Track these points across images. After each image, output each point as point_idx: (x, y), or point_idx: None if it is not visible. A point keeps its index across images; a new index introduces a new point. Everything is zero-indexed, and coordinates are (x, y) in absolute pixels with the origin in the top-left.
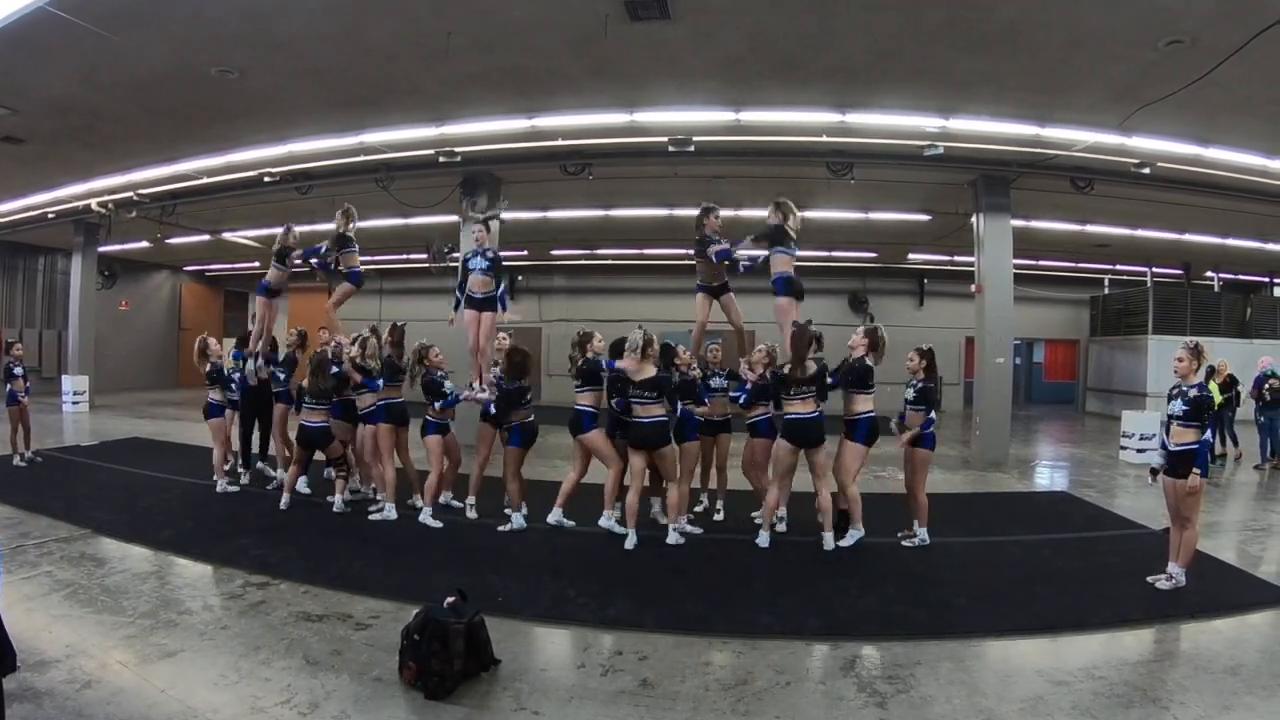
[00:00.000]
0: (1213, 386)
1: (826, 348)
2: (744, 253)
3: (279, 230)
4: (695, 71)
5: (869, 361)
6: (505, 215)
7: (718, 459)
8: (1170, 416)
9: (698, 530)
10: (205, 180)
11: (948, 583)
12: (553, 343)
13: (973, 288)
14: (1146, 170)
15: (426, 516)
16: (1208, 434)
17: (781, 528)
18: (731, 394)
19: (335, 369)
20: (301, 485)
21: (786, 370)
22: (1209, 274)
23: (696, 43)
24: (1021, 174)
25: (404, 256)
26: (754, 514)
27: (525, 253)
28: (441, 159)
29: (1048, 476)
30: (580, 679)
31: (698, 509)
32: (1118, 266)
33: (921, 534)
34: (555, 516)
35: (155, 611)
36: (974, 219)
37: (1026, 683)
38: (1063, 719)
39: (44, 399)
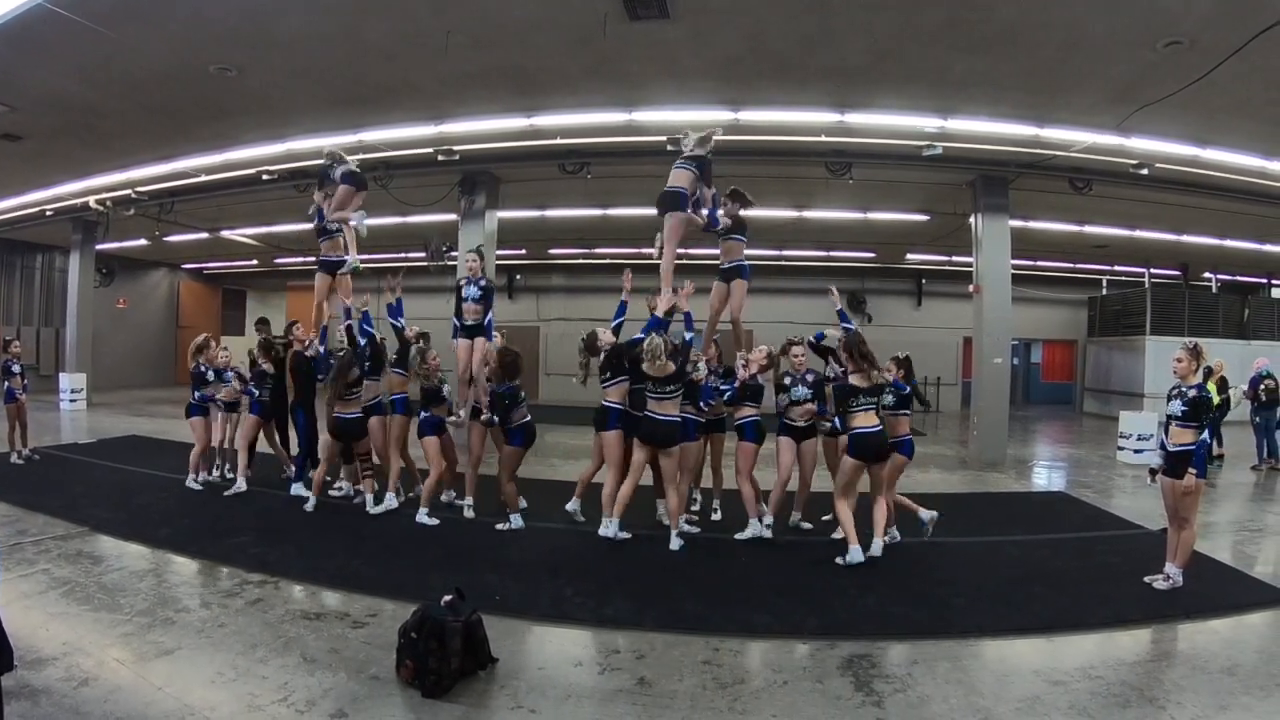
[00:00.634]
0: (1211, 387)
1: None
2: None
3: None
4: (694, 71)
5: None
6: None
7: (712, 458)
8: (1169, 417)
9: (695, 530)
10: (203, 178)
11: (945, 582)
12: (550, 341)
13: (971, 288)
14: (1145, 171)
15: (423, 516)
16: (1206, 434)
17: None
18: (720, 388)
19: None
20: (299, 489)
21: (854, 380)
22: (1207, 275)
23: (695, 42)
24: (1020, 174)
25: (402, 255)
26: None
27: (523, 251)
28: (440, 157)
29: (1045, 477)
30: (578, 677)
31: (694, 508)
32: (1116, 267)
33: (893, 531)
34: (573, 505)
35: (152, 609)
36: (972, 219)
37: (1024, 682)
38: (1060, 719)
39: (41, 397)
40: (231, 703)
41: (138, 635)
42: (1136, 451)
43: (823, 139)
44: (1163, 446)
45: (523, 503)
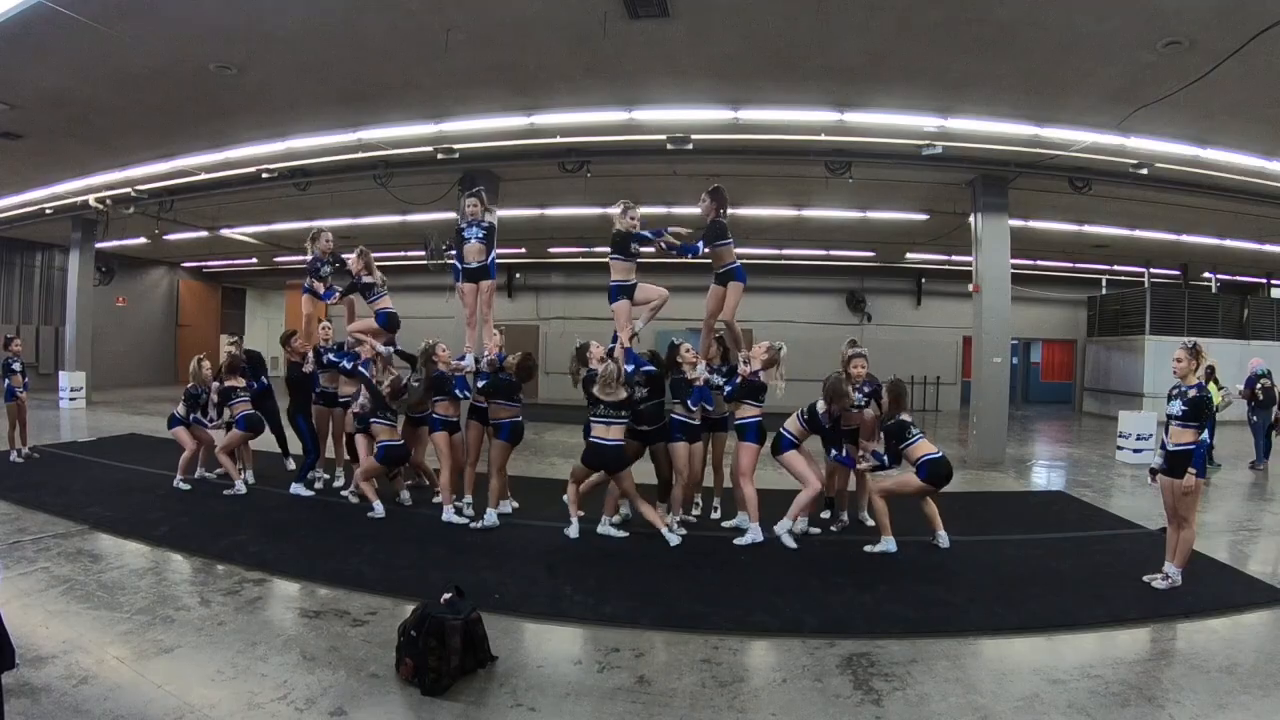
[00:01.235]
0: (1211, 387)
1: (823, 351)
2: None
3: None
4: (694, 69)
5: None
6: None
7: (713, 457)
8: (1169, 417)
9: (682, 532)
10: (203, 176)
11: (944, 581)
12: (550, 340)
13: (970, 287)
14: (1144, 171)
15: (450, 515)
16: (1205, 434)
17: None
18: (723, 386)
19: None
20: (300, 489)
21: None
22: (1206, 275)
23: (695, 41)
24: (1020, 174)
25: (402, 253)
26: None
27: (523, 250)
28: (440, 156)
29: (1044, 476)
30: (577, 676)
31: (697, 511)
32: (1115, 267)
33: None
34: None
35: (152, 607)
36: (972, 219)
37: (1022, 681)
38: (1058, 718)
39: (41, 395)
40: (231, 700)
41: (137, 633)
42: (1136, 451)
43: (822, 138)
44: (1163, 446)
45: (513, 504)
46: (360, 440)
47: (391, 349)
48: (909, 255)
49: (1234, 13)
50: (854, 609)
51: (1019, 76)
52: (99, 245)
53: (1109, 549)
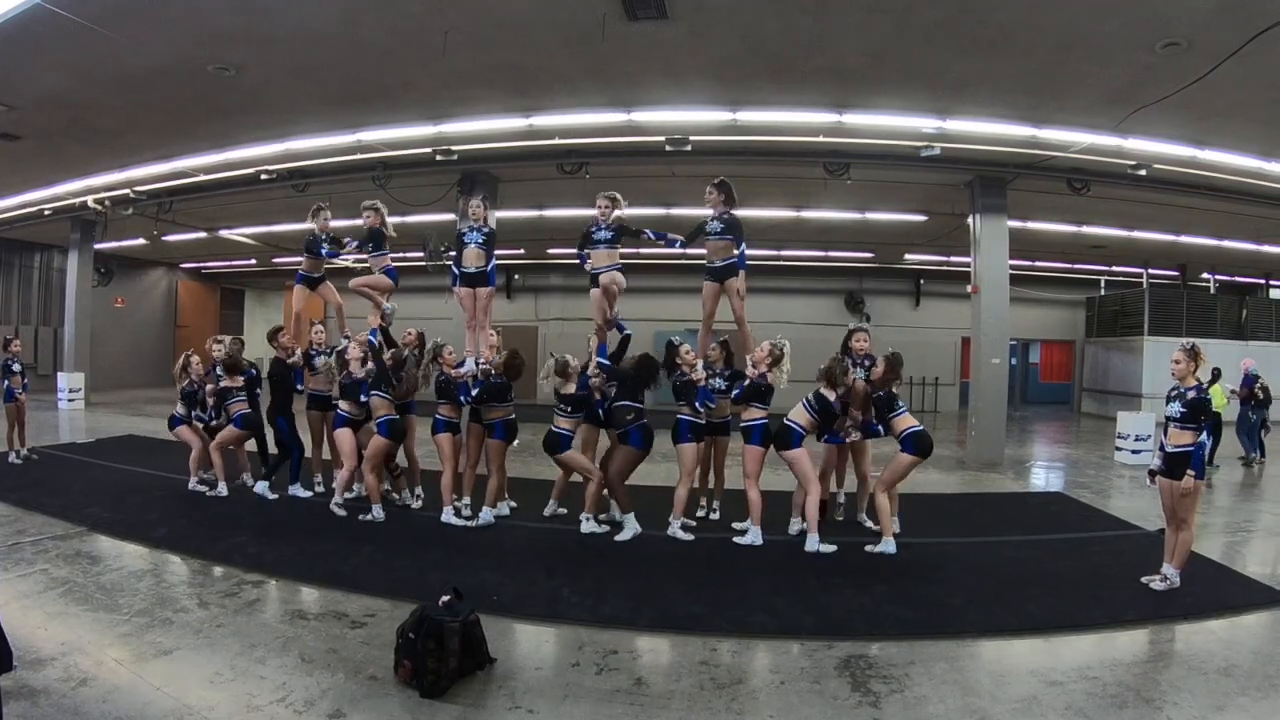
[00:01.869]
0: (1216, 390)
1: (822, 352)
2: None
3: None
4: (692, 71)
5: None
6: (499, 214)
7: (715, 460)
8: (1168, 419)
9: (689, 537)
10: (202, 178)
11: (942, 583)
12: (548, 341)
13: (969, 288)
14: (1143, 172)
15: (449, 516)
16: (1204, 436)
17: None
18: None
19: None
20: (299, 490)
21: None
22: (1205, 275)
23: (694, 42)
24: (1018, 175)
25: (400, 254)
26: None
27: (521, 251)
28: (439, 157)
29: (1043, 477)
30: (575, 678)
31: (700, 514)
32: (1113, 268)
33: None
34: (588, 526)
35: (151, 609)
36: (970, 220)
37: (1020, 683)
38: (1056, 719)
39: (39, 396)
40: (230, 703)
41: (136, 635)
42: (1134, 452)
43: (821, 139)
44: (1161, 448)
45: (511, 504)
46: (343, 436)
47: (391, 308)
48: (907, 256)
49: (1232, 14)
50: (852, 610)
51: (1017, 78)
52: (98, 246)
53: (1107, 550)
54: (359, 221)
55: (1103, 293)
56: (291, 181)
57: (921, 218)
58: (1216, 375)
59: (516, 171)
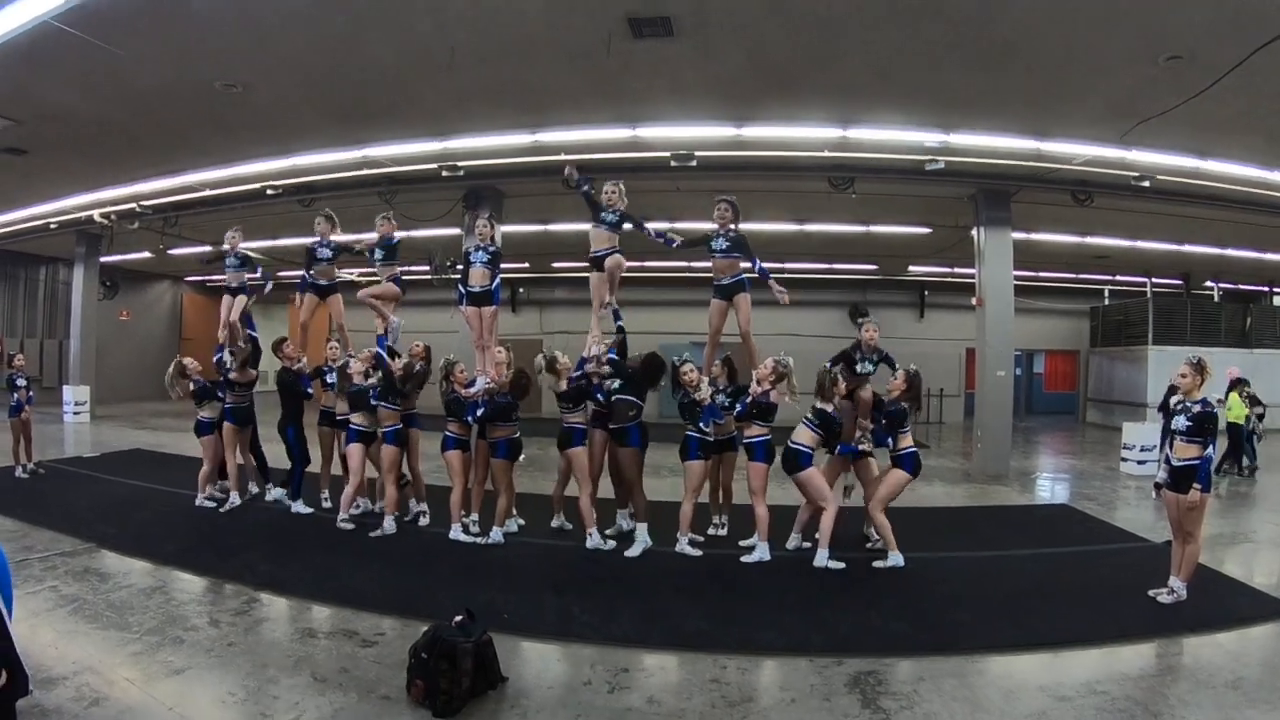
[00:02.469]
0: (1234, 399)
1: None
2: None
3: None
4: (697, 87)
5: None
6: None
7: (723, 477)
8: (1174, 432)
9: (697, 553)
10: (208, 192)
11: (950, 598)
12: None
13: (973, 301)
14: (1146, 183)
15: (457, 533)
16: (1210, 449)
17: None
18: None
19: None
20: (300, 506)
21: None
22: (1209, 284)
23: (699, 59)
24: (1022, 187)
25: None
26: None
27: (526, 265)
28: (444, 173)
29: (1049, 489)
30: (587, 696)
31: (711, 531)
32: (1117, 277)
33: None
34: (594, 542)
35: (161, 628)
36: (975, 232)
37: (1029, 698)
38: None
39: (45, 408)
40: None
41: (147, 654)
42: (1140, 463)
43: (825, 154)
44: (1167, 461)
45: (519, 521)
46: (355, 451)
47: (398, 323)
48: (911, 268)
49: (1234, 27)
50: (861, 627)
51: (1021, 92)
52: (103, 259)
53: (1114, 563)
54: (368, 236)
55: (1107, 302)
56: (297, 196)
57: (926, 230)
58: (1235, 385)
59: (522, 186)
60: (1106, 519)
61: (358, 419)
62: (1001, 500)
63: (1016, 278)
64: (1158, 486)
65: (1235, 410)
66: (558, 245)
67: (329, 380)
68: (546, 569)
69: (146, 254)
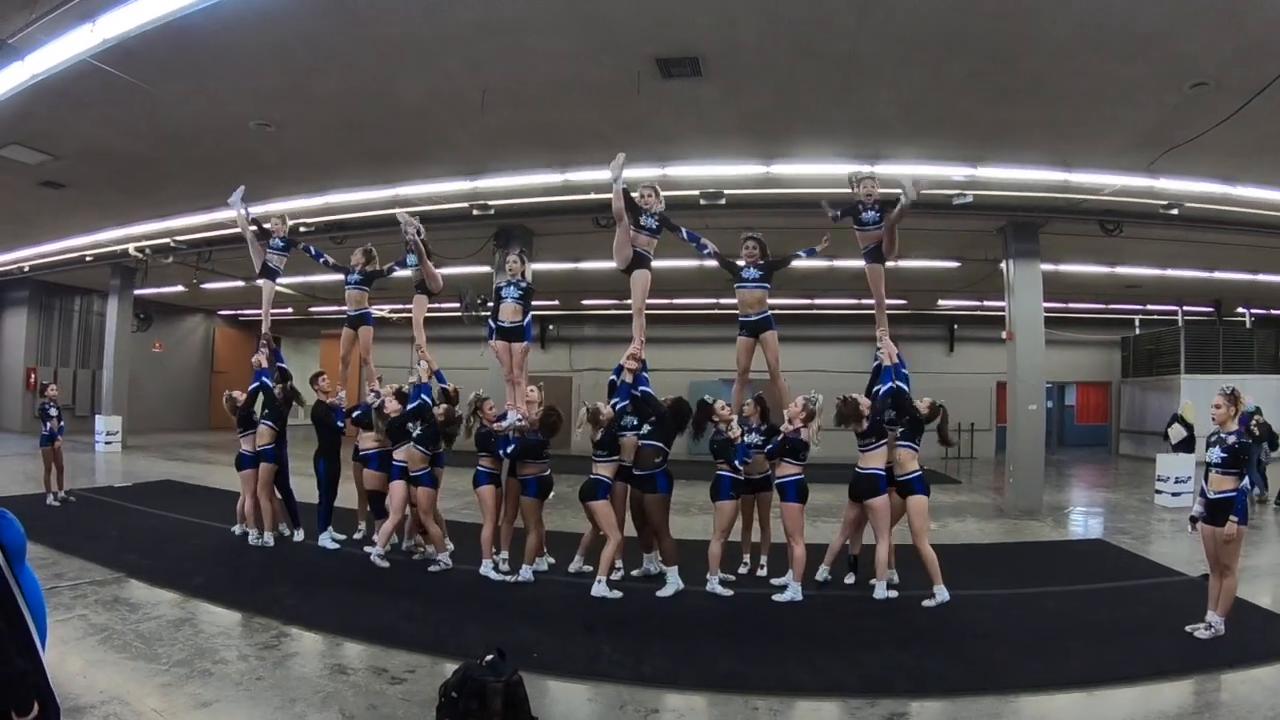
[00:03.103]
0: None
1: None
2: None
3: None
4: (726, 126)
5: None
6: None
7: (759, 516)
8: (1209, 464)
9: (728, 593)
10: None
11: (984, 637)
12: (583, 392)
13: (1004, 334)
14: (1175, 211)
15: (487, 569)
16: (1246, 481)
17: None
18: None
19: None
20: (327, 540)
21: None
22: (1240, 310)
23: (727, 99)
24: (1050, 219)
25: (436, 306)
26: None
27: (556, 302)
28: (475, 211)
29: (1082, 524)
30: None
31: (741, 570)
32: (1147, 306)
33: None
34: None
35: (190, 660)
36: (1004, 265)
37: None
38: None
39: (77, 437)
40: None
41: (176, 686)
42: (1174, 495)
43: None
44: (1203, 494)
45: (549, 560)
46: (397, 488)
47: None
48: (941, 302)
49: (1258, 52)
50: (894, 667)
51: (1047, 124)
52: (137, 292)
53: (1150, 599)
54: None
55: (1137, 332)
56: (330, 234)
57: (955, 264)
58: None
59: (552, 225)
60: (1141, 553)
61: (401, 455)
62: (1035, 536)
63: (1046, 309)
64: (1193, 520)
65: None
66: (588, 283)
67: (355, 416)
68: (576, 608)
69: (180, 288)
